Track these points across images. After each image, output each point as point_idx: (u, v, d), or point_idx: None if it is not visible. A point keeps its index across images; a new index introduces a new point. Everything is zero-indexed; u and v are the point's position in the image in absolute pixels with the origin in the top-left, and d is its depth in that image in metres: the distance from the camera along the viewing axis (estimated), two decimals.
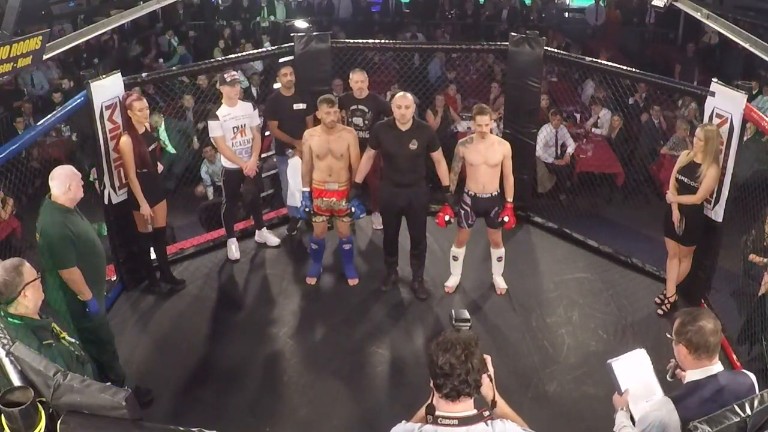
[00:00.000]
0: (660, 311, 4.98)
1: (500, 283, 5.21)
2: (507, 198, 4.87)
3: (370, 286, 5.31)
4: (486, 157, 4.71)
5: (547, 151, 7.58)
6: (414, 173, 4.77)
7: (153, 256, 5.27)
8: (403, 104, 4.60)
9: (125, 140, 4.73)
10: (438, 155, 4.80)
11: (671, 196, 4.71)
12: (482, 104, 4.82)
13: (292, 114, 5.51)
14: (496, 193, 4.84)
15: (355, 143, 4.85)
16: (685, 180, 4.60)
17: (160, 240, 5.21)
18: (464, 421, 2.04)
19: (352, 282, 5.31)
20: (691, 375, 2.44)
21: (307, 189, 4.94)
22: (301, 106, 5.51)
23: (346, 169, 4.87)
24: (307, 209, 4.96)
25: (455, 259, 5.16)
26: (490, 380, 2.19)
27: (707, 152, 4.46)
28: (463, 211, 4.92)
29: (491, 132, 4.78)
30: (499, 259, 5.15)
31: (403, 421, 2.18)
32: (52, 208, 3.63)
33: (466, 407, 2.06)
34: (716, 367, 2.41)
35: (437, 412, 2.07)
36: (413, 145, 4.66)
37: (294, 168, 5.61)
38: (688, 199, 4.60)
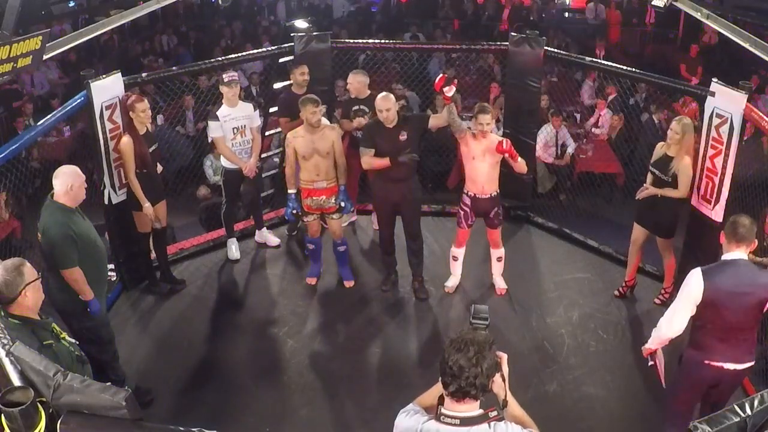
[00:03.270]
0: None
1: (500, 283, 5.21)
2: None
3: (369, 286, 5.31)
4: (486, 155, 4.70)
5: (547, 151, 7.57)
6: (406, 168, 4.77)
7: (153, 256, 5.27)
8: (384, 108, 4.61)
9: (126, 141, 4.73)
10: (433, 118, 4.85)
11: (653, 189, 4.63)
12: (484, 103, 4.82)
13: None
14: (495, 193, 4.84)
15: (339, 139, 4.90)
16: (657, 173, 4.60)
17: (160, 240, 5.21)
18: (466, 421, 2.04)
19: (348, 284, 5.31)
20: (723, 257, 3.20)
21: (293, 191, 4.95)
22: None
23: (333, 167, 4.90)
24: (294, 211, 4.97)
25: (455, 259, 5.16)
26: (503, 380, 2.17)
27: (682, 146, 4.46)
28: (462, 212, 4.93)
29: (491, 132, 4.78)
30: (499, 259, 5.15)
31: (417, 411, 2.18)
32: (54, 208, 3.62)
33: (470, 408, 2.06)
34: (740, 254, 3.17)
35: (442, 410, 2.08)
36: (402, 136, 4.68)
37: None
38: (673, 192, 4.56)
